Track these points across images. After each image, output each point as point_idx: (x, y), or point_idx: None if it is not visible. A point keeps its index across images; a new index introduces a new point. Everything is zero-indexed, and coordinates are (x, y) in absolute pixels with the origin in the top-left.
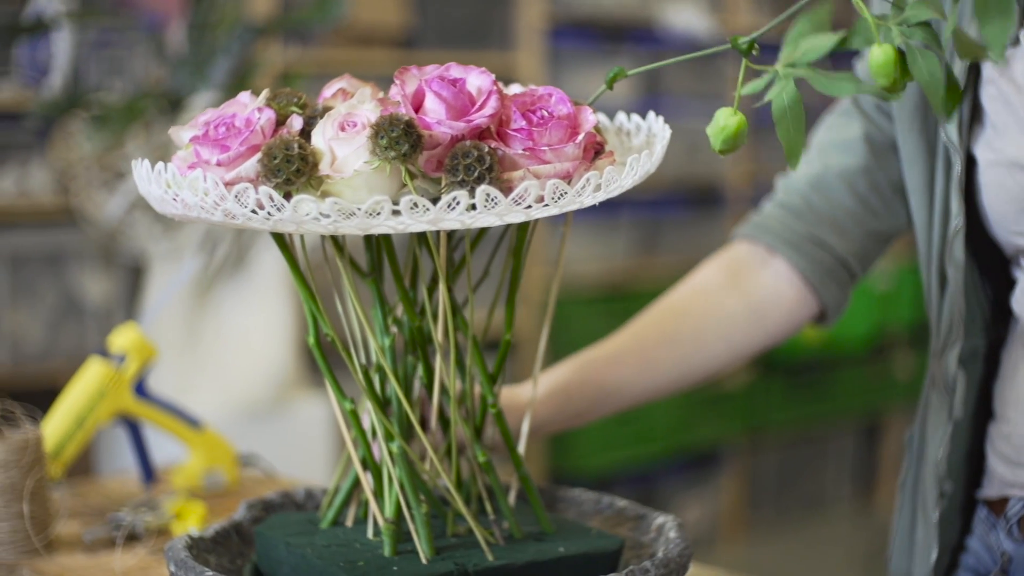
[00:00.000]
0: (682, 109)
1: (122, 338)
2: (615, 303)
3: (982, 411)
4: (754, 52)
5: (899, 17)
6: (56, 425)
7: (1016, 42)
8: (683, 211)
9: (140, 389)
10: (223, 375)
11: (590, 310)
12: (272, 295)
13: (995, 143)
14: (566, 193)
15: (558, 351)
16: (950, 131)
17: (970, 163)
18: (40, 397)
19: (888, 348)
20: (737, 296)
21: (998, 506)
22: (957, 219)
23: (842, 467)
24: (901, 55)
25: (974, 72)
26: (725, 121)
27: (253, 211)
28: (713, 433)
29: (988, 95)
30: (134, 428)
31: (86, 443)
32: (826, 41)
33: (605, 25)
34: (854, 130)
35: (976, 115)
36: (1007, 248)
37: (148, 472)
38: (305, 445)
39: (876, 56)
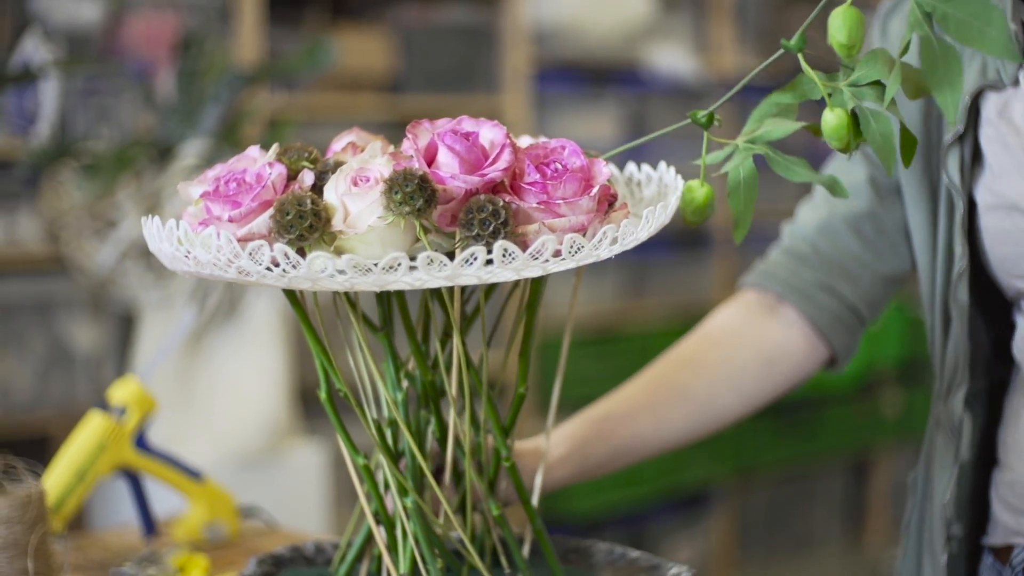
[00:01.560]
0: (668, 151)
1: (122, 391)
2: (604, 345)
3: (985, 456)
4: (716, 123)
5: (849, 78)
6: (57, 479)
7: (1016, 82)
8: (671, 253)
9: (140, 442)
10: (216, 424)
11: (579, 352)
12: (265, 343)
13: (994, 186)
14: (583, 247)
15: (547, 391)
16: (952, 173)
17: (972, 205)
18: (30, 447)
19: (875, 386)
20: (748, 347)
21: (1003, 554)
22: (961, 261)
23: (831, 506)
24: (855, 117)
25: (974, 113)
26: (693, 193)
27: (268, 268)
28: (702, 474)
29: (986, 136)
30: (135, 481)
31: (87, 497)
32: (788, 126)
33: (590, 68)
34: (858, 174)
35: (977, 157)
36: (1008, 291)
37: (149, 525)
38: (300, 493)
39: (828, 120)
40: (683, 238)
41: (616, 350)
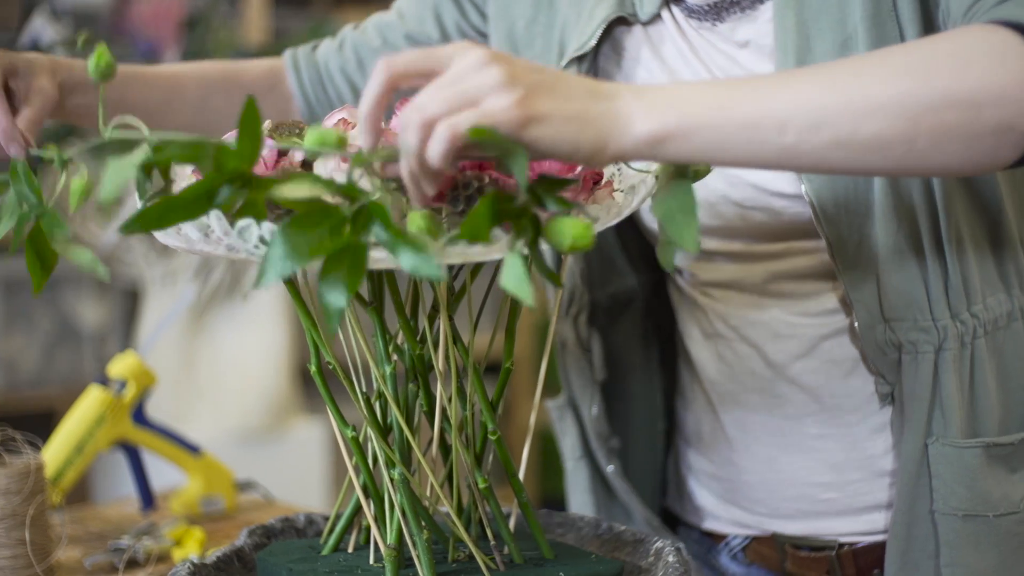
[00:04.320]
0: None
1: (121, 365)
2: None
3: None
4: None
5: None
6: (56, 451)
7: (658, 18)
8: None
9: (139, 416)
10: (219, 400)
11: None
12: (267, 320)
13: None
14: None
15: (552, 372)
16: None
17: None
18: (36, 422)
19: None
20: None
21: (715, 537)
22: None
23: None
24: None
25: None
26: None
27: (256, 247)
28: None
29: (640, 78)
30: (133, 454)
31: (85, 469)
32: None
33: None
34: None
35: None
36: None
37: (147, 498)
38: (302, 469)
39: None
40: None
41: None
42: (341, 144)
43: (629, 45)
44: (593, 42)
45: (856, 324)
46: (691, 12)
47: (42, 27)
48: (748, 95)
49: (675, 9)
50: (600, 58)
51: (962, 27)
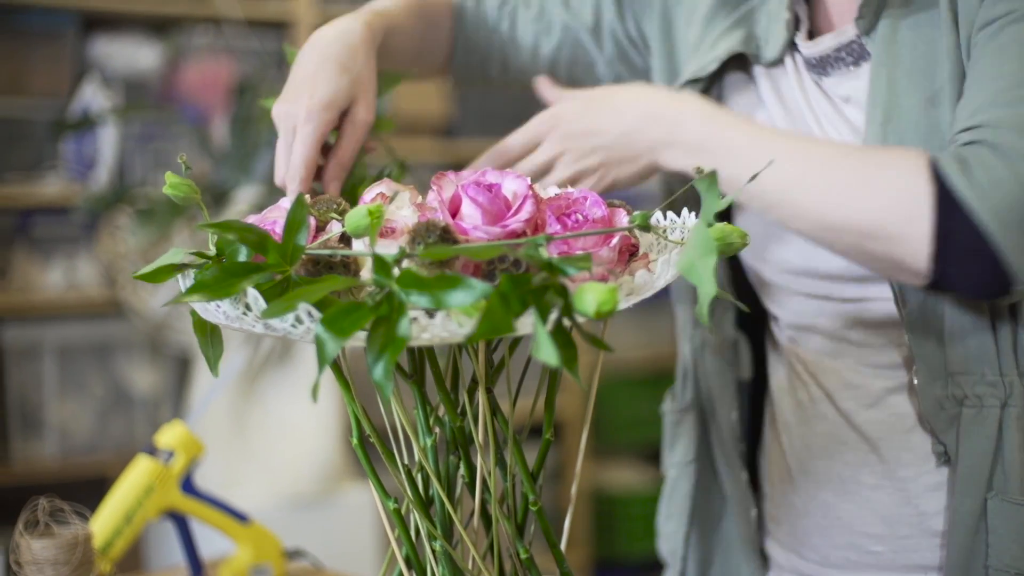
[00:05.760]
0: None
1: (169, 435)
2: (661, 386)
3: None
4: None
5: None
6: (105, 521)
7: (781, 63)
8: None
9: (187, 485)
10: (269, 467)
11: (636, 392)
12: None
13: None
14: None
15: (603, 433)
16: None
17: None
18: (89, 488)
19: None
20: None
21: None
22: None
23: None
24: None
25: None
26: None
27: (293, 326)
28: None
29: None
30: (182, 523)
31: (135, 538)
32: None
33: None
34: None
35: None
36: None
37: (197, 567)
38: (351, 536)
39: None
40: None
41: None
42: (377, 220)
43: (749, 80)
44: (714, 66)
45: (916, 380)
46: (806, 62)
47: (92, 95)
48: (741, 149)
49: (797, 56)
50: (719, 86)
51: (902, 151)
